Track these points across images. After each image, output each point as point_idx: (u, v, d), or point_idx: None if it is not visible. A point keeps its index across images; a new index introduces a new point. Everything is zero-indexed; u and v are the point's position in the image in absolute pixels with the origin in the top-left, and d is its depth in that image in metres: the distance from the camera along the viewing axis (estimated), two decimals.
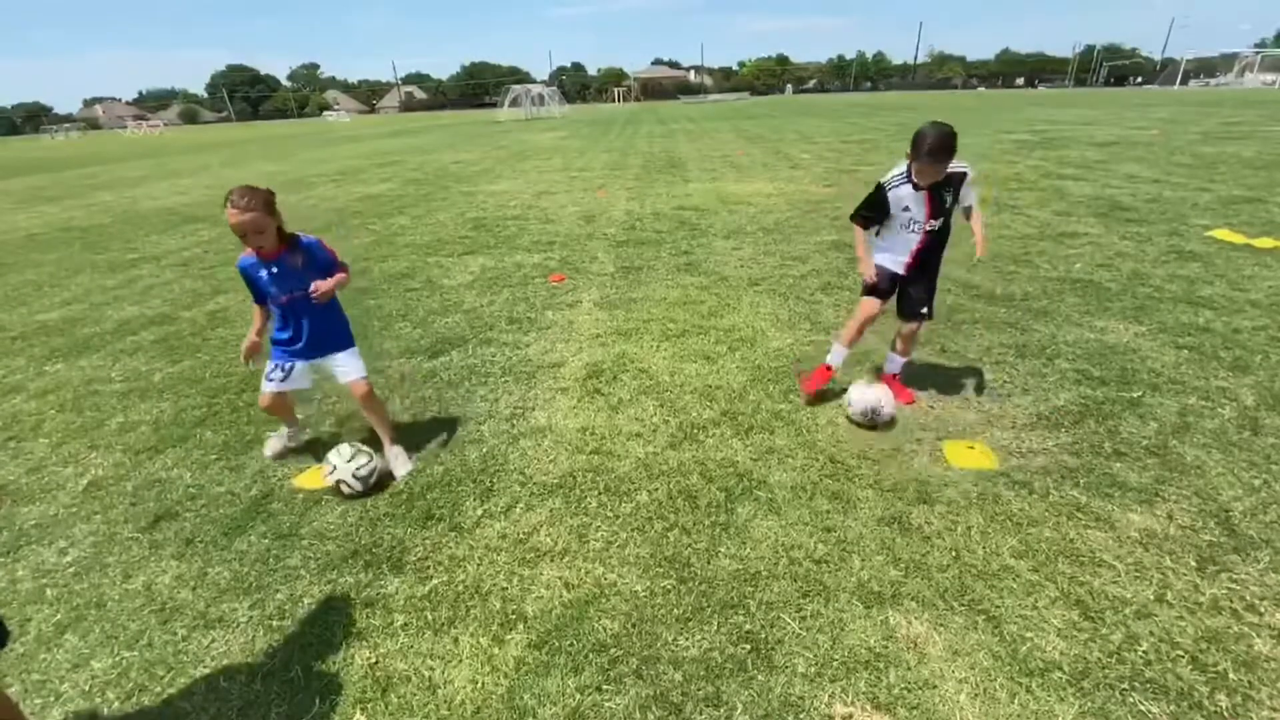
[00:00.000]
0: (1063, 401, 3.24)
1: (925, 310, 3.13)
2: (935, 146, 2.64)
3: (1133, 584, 2.09)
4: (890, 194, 2.89)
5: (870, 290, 3.13)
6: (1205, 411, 3.09)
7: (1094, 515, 2.42)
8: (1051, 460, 2.77)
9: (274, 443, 3.11)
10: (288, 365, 2.80)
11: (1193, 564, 2.17)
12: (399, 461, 2.93)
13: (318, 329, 2.77)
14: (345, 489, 2.69)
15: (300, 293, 2.62)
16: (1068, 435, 2.95)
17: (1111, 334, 4.03)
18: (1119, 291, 4.75)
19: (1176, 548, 2.24)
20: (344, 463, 2.69)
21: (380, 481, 2.80)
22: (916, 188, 2.81)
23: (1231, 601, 2.01)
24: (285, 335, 2.77)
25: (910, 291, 3.12)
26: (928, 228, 2.90)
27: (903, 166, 2.86)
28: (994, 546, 2.28)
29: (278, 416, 3.06)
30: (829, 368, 3.32)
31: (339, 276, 2.67)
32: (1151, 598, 2.04)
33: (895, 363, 3.39)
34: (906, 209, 2.89)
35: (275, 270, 2.57)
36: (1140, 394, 3.28)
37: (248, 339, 2.76)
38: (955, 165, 2.76)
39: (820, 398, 3.35)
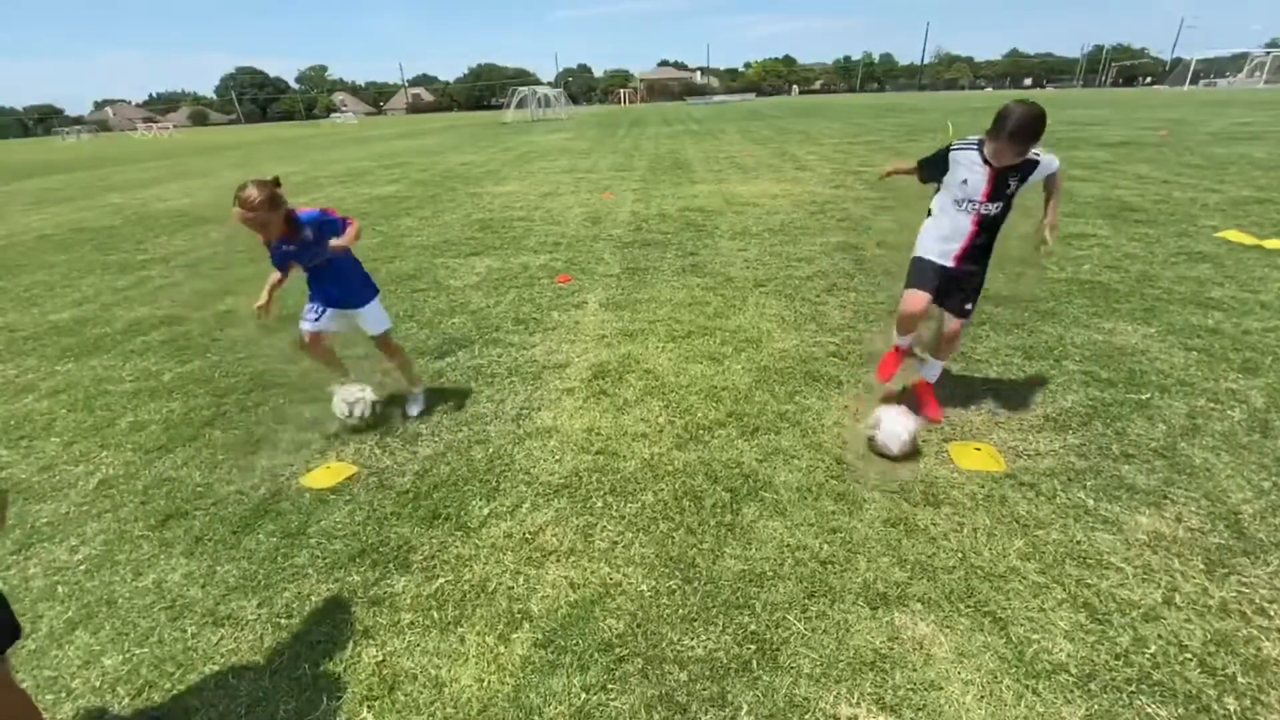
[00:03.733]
0: (1070, 403, 3.22)
1: (969, 306, 2.82)
2: (1018, 127, 2.37)
3: (1140, 586, 2.08)
4: (953, 155, 2.65)
5: (914, 282, 2.82)
6: (1214, 413, 3.07)
7: (1101, 517, 2.41)
8: (1059, 462, 2.76)
9: (340, 402, 3.24)
10: (319, 309, 3.12)
11: (1201, 567, 2.16)
12: (414, 403, 3.46)
13: (340, 287, 3.11)
14: (362, 411, 3.21)
15: (321, 260, 2.95)
16: (1075, 437, 2.94)
17: (1120, 335, 4.01)
18: (1127, 293, 4.73)
19: (1185, 550, 2.23)
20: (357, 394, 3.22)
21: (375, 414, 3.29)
22: (984, 161, 2.57)
23: (1240, 604, 2.00)
24: (314, 292, 3.13)
25: (958, 284, 2.81)
26: (983, 210, 2.62)
27: (976, 138, 2.63)
28: (1000, 548, 2.28)
29: (321, 361, 3.33)
30: (899, 349, 3.01)
31: (350, 230, 2.95)
32: (1159, 600, 2.03)
33: (932, 369, 3.07)
34: (965, 180, 2.61)
35: (294, 248, 2.86)
36: (1149, 396, 3.26)
37: (263, 295, 2.98)
38: (1036, 154, 2.55)
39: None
